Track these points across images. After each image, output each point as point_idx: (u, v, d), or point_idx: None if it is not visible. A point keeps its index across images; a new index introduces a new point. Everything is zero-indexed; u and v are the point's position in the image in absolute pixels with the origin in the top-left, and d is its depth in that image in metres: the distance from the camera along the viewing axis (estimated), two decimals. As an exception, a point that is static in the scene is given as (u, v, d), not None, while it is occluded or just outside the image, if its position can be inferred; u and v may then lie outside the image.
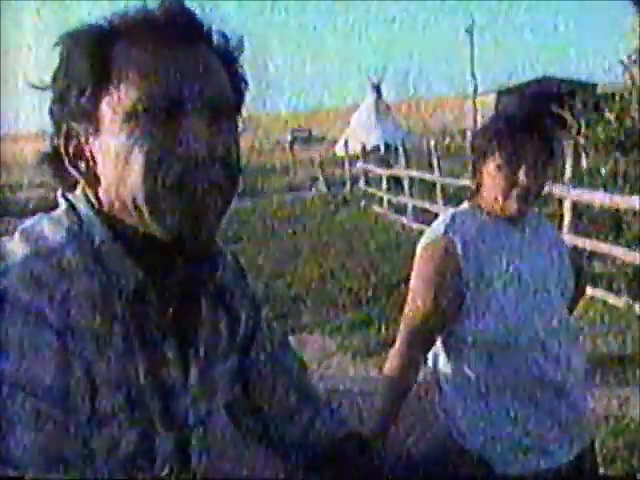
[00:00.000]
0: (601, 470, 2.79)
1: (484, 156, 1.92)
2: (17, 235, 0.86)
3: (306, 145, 40.84)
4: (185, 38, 0.86)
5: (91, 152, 0.87)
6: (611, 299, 6.47)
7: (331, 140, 44.04)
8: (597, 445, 2.40)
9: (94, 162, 0.87)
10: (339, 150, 29.94)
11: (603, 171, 8.81)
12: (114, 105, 0.85)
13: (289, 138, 31.08)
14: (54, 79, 0.88)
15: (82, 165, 0.88)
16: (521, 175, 1.87)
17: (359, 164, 18.18)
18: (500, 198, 1.91)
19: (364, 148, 18.52)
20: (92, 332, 0.81)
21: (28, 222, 0.89)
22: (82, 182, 0.89)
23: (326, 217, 15.00)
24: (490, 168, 1.91)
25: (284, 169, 26.39)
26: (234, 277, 1.06)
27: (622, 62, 10.13)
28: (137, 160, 0.83)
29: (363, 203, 16.08)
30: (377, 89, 39.48)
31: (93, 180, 0.88)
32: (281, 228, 13.49)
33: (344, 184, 19.59)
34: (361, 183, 17.89)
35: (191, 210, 0.85)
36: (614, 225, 7.98)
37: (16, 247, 0.83)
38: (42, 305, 0.77)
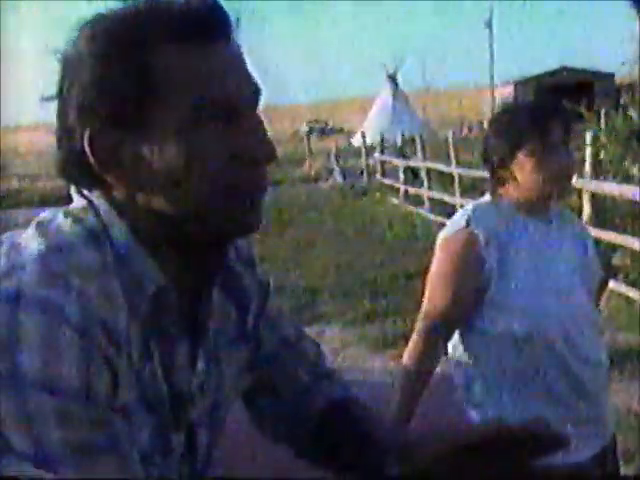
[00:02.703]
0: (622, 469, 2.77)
1: (513, 148, 1.90)
2: (32, 228, 0.85)
3: (323, 136, 40.79)
4: (223, 33, 0.85)
5: (130, 154, 0.84)
6: (630, 292, 6.41)
7: (348, 131, 43.98)
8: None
9: (134, 164, 0.84)
10: (356, 141, 29.91)
11: (624, 163, 8.73)
12: (165, 109, 0.82)
13: (305, 129, 31.05)
14: (68, 77, 0.84)
15: (117, 168, 0.84)
16: (557, 158, 1.87)
17: (376, 155, 18.14)
18: (539, 184, 1.90)
19: (382, 139, 18.47)
20: (111, 330, 0.79)
21: (43, 216, 0.87)
22: (115, 182, 0.85)
23: (342, 208, 14.98)
24: (520, 158, 1.89)
25: (300, 160, 26.38)
26: (244, 266, 1.04)
27: None
28: (200, 165, 0.82)
29: (379, 194, 16.04)
30: (393, 79, 39.37)
31: (131, 182, 0.85)
32: (297, 219, 13.49)
33: (361, 175, 19.56)
34: (378, 174, 17.85)
35: (252, 209, 0.87)
36: (634, 217, 7.90)
37: (32, 241, 0.82)
38: (60, 300, 0.76)
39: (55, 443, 0.73)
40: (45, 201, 17.80)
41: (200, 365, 0.94)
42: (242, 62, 0.87)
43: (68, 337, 0.75)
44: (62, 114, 0.85)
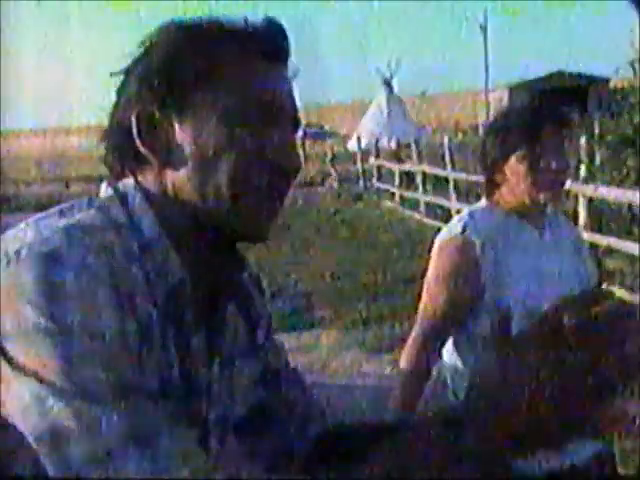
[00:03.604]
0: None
1: (505, 152, 1.91)
2: (55, 213, 0.88)
3: (318, 140, 40.80)
4: (281, 57, 0.95)
5: (167, 136, 0.90)
6: (626, 296, 6.43)
7: (343, 135, 44.01)
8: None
9: (169, 145, 0.90)
10: (351, 146, 29.92)
11: (619, 167, 8.77)
12: (213, 101, 0.89)
13: (300, 133, 31.06)
14: (138, 60, 0.92)
15: (155, 145, 0.90)
16: (549, 163, 1.88)
17: (371, 159, 18.16)
18: (531, 189, 1.90)
19: (377, 143, 18.50)
20: (135, 307, 0.82)
21: (66, 205, 0.90)
22: (154, 162, 0.91)
23: (338, 212, 15.00)
24: (512, 162, 1.90)
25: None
26: (255, 288, 1.08)
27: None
28: (230, 158, 0.88)
29: (375, 199, 16.06)
30: (388, 84, 39.43)
31: (165, 162, 0.91)
32: (293, 223, 13.50)
33: (356, 179, 19.59)
34: (374, 179, 17.88)
35: (270, 213, 0.93)
36: (630, 221, 7.94)
37: (55, 220, 0.85)
38: (94, 264, 0.79)
39: (101, 383, 0.76)
40: (40, 206, 17.76)
41: (216, 366, 0.96)
42: (289, 86, 0.96)
43: (102, 293, 0.78)
44: (121, 91, 0.93)
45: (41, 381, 0.75)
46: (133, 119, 0.90)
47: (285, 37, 0.95)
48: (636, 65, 10.02)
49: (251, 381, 1.05)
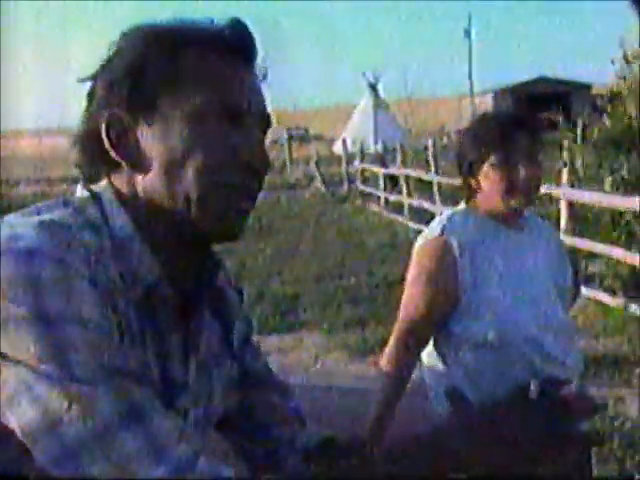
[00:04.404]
0: (595, 471, 2.81)
1: (479, 158, 1.94)
2: (27, 211, 0.89)
3: (303, 143, 40.81)
4: (247, 57, 0.95)
5: (136, 139, 0.91)
6: (607, 299, 6.49)
7: (329, 139, 44.05)
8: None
9: (138, 148, 0.91)
10: (337, 149, 29.96)
11: (601, 171, 8.84)
12: (179, 103, 0.90)
13: (286, 136, 31.09)
14: (105, 66, 0.93)
15: (124, 149, 0.92)
16: (521, 169, 1.90)
17: (356, 163, 18.19)
18: (503, 195, 1.92)
19: (362, 147, 18.53)
20: (114, 310, 0.84)
21: (43, 204, 0.91)
22: (125, 165, 0.92)
23: (323, 216, 15.01)
24: (486, 168, 1.93)
25: (281, 167, 26.38)
26: (232, 292, 1.09)
27: (625, 58, 10.09)
28: (198, 158, 0.89)
29: (360, 202, 16.09)
30: (374, 88, 39.52)
31: (135, 164, 0.92)
32: (278, 226, 13.50)
33: (341, 183, 19.60)
34: (358, 182, 17.91)
35: (239, 212, 0.93)
36: (610, 225, 8.00)
37: (29, 219, 0.85)
38: (72, 258, 0.80)
39: (87, 366, 0.77)
40: (24, 207, 17.61)
41: (192, 366, 0.97)
42: (257, 85, 0.97)
43: (81, 284, 0.80)
44: (91, 96, 0.94)
45: (28, 368, 0.76)
46: (103, 124, 0.91)
47: (251, 37, 0.95)
48: (625, 68, 10.10)
49: (227, 381, 1.06)
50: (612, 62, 10.28)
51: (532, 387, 0.88)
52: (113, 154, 0.91)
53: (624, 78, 9.86)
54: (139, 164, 0.91)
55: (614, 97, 9.92)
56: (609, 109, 9.75)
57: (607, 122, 9.58)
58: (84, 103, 0.95)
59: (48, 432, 0.75)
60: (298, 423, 1.13)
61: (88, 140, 0.94)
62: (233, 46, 0.93)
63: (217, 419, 1.06)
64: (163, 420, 0.79)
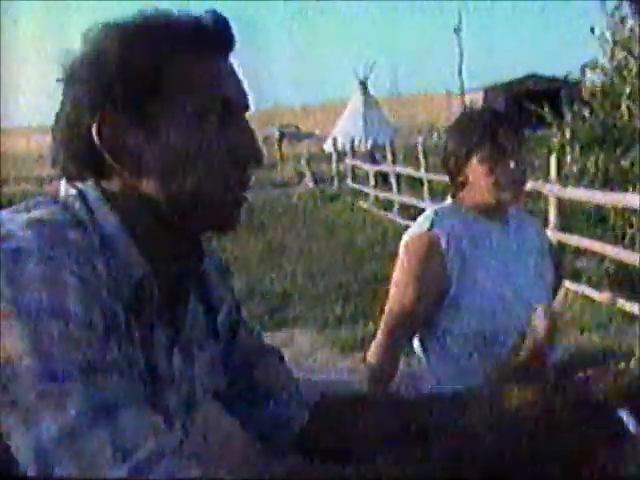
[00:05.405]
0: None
1: (466, 153, 1.97)
2: (13, 208, 0.90)
3: (294, 141, 40.75)
4: (227, 47, 0.97)
5: (127, 139, 0.92)
6: (594, 295, 6.55)
7: (319, 136, 44.00)
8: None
9: (130, 148, 0.92)
10: (327, 146, 29.95)
11: (589, 168, 8.89)
12: (169, 100, 0.91)
13: (276, 134, 31.06)
14: (82, 66, 0.92)
15: (117, 149, 0.92)
16: (507, 164, 1.93)
17: (347, 160, 18.21)
18: (490, 190, 1.95)
19: (352, 144, 18.55)
20: (100, 306, 0.84)
21: (30, 200, 0.92)
22: (116, 164, 0.92)
23: (313, 213, 15.02)
24: (473, 163, 1.96)
25: (271, 165, 26.35)
26: (216, 271, 1.10)
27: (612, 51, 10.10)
28: (192, 153, 0.91)
29: (350, 199, 16.11)
30: (364, 85, 39.50)
31: (127, 163, 0.92)
32: (268, 223, 13.50)
33: (332, 180, 19.62)
34: (348, 179, 17.93)
35: (237, 204, 0.96)
36: (599, 222, 8.07)
37: (16, 216, 0.86)
38: (59, 255, 0.81)
39: (66, 362, 0.77)
40: (13, 205, 17.53)
41: (177, 357, 0.99)
42: (238, 76, 0.98)
43: (67, 280, 0.80)
44: (74, 98, 0.93)
45: (7, 363, 0.76)
46: (94, 125, 0.90)
47: (231, 29, 0.96)
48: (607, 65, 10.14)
49: (211, 363, 1.08)
50: (594, 64, 10.33)
51: (625, 418, 0.84)
52: (105, 154, 0.91)
53: (611, 78, 9.91)
54: (131, 162, 0.92)
55: (603, 94, 9.96)
56: (596, 106, 9.79)
57: (594, 119, 9.62)
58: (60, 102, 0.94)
59: (27, 429, 0.75)
60: (297, 402, 1.15)
61: (72, 139, 0.93)
62: (217, 40, 0.95)
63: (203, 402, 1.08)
64: (134, 416, 0.78)
